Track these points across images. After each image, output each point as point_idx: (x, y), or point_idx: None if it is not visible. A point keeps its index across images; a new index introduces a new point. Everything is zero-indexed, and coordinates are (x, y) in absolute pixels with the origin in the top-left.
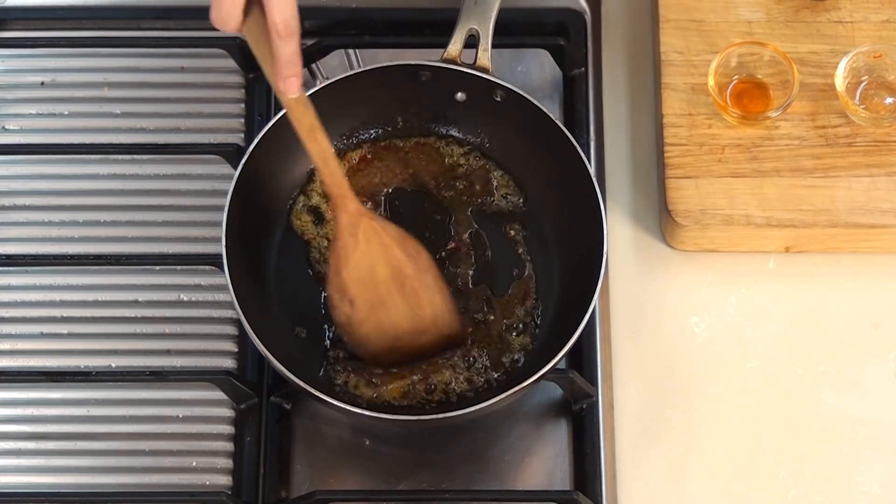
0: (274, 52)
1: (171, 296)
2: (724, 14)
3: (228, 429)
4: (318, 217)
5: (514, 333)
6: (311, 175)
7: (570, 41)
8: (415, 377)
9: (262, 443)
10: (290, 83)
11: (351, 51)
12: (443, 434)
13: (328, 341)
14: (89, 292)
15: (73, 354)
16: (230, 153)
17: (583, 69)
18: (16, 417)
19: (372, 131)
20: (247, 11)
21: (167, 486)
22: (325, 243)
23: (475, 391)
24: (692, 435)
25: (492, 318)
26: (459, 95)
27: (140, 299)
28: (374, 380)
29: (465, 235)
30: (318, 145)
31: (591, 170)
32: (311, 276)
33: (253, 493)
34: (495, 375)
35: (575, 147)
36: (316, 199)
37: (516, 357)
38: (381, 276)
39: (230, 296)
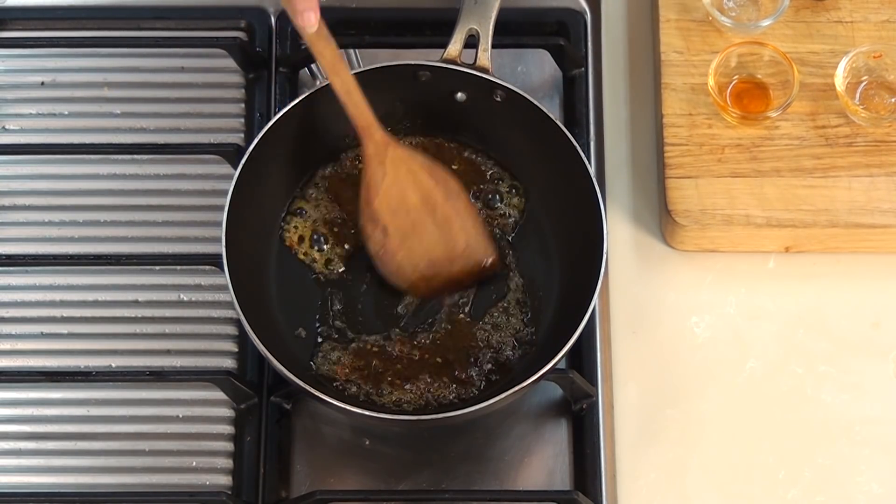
0: None
1: (171, 296)
2: None
3: (228, 429)
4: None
5: (514, 333)
6: (309, 178)
7: (570, 41)
8: (417, 374)
9: (262, 443)
10: (306, 17)
11: (351, 51)
12: (443, 434)
13: (319, 338)
14: (89, 292)
15: (73, 354)
16: (230, 153)
17: (583, 69)
18: (16, 417)
19: None
20: None
21: (167, 486)
22: (319, 257)
23: (475, 391)
24: (692, 435)
25: (492, 317)
26: (459, 95)
27: (140, 299)
28: (380, 388)
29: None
30: (340, 78)
31: (591, 170)
32: (311, 276)
33: (253, 493)
34: (495, 376)
35: (575, 147)
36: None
37: (516, 357)
38: (412, 203)
39: (230, 296)
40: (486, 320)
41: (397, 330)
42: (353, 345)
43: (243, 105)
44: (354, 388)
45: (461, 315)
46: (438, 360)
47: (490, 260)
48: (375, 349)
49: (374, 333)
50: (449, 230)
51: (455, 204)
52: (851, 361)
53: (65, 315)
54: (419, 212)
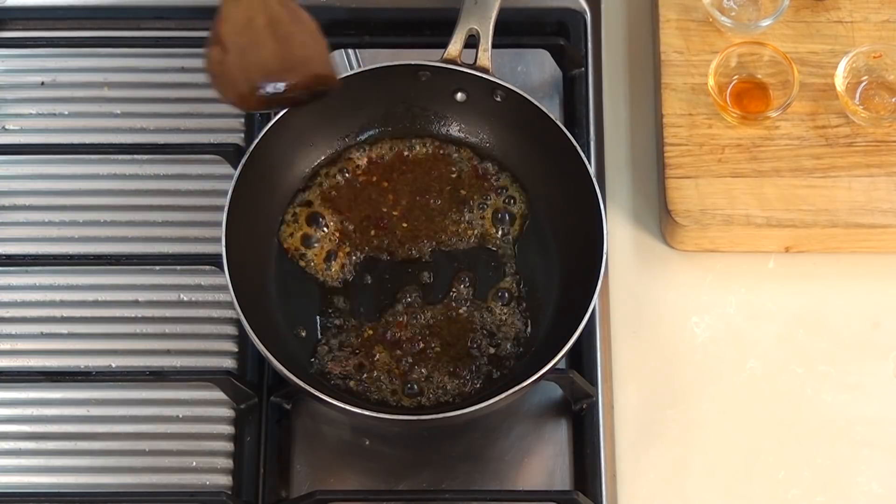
0: None
1: (171, 296)
2: None
3: (228, 429)
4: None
5: (515, 333)
6: (309, 178)
7: (570, 41)
8: (417, 374)
9: (262, 443)
10: None
11: (351, 51)
12: (443, 434)
13: (319, 338)
14: (89, 292)
15: (73, 354)
16: (230, 153)
17: (583, 69)
18: (16, 417)
19: (372, 131)
20: None
21: (167, 486)
22: (314, 258)
23: (475, 391)
24: (692, 435)
25: (492, 317)
26: (459, 95)
27: (140, 299)
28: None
29: (465, 235)
30: None
31: (591, 170)
32: (311, 276)
33: (253, 493)
34: (495, 375)
35: (575, 147)
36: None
37: (516, 357)
38: (258, 25)
39: (230, 296)
40: (486, 319)
41: (396, 320)
42: (353, 344)
43: None
44: (354, 388)
45: (462, 311)
46: (437, 349)
47: (326, 71)
48: (375, 347)
49: (374, 331)
50: (289, 45)
51: (301, 27)
52: (851, 361)
53: (65, 315)
54: (262, 32)
